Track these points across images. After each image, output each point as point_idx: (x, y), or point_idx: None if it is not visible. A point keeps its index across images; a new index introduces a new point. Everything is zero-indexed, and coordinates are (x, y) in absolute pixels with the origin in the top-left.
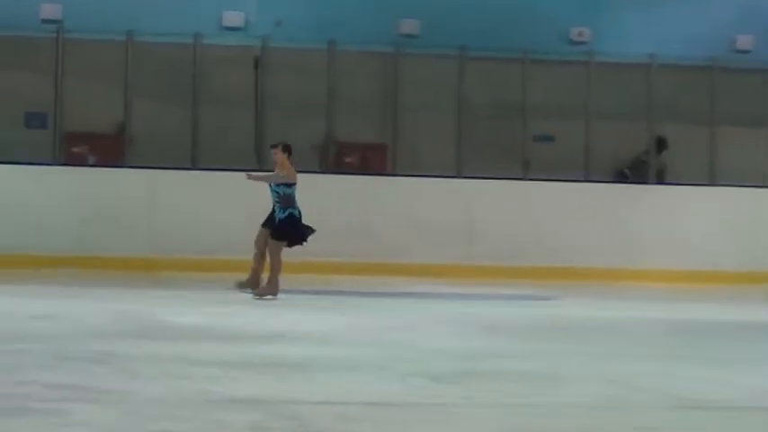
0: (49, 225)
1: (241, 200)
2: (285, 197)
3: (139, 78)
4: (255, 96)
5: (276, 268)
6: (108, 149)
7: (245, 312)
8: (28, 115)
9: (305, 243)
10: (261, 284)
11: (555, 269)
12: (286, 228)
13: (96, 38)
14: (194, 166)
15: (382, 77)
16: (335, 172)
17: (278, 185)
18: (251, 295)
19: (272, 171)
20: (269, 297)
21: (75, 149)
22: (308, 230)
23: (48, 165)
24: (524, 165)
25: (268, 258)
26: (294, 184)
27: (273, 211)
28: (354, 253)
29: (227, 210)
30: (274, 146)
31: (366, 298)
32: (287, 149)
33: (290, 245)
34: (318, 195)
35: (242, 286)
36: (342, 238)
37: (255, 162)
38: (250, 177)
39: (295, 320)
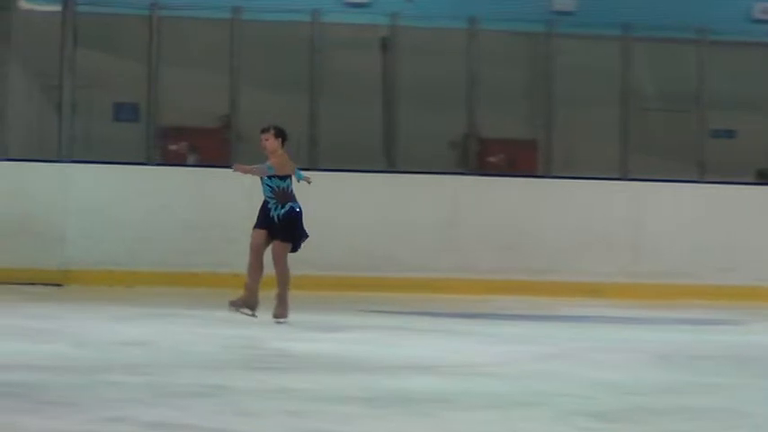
0: (143, 235)
1: (372, 206)
2: (281, 191)
3: (247, 63)
4: (383, 84)
5: (285, 280)
6: (211, 147)
7: (370, 338)
8: (117, 106)
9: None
10: (248, 298)
11: (738, 288)
12: (287, 224)
13: (196, 15)
14: (313, 166)
15: (532, 62)
16: (477, 173)
17: (270, 178)
18: (252, 317)
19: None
20: (283, 320)
21: (172, 147)
22: (303, 235)
23: (140, 165)
24: (700, 165)
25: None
26: (289, 176)
27: (268, 209)
28: (498, 268)
29: (353, 218)
30: (265, 130)
31: (513, 321)
32: (280, 135)
33: (293, 249)
34: (457, 200)
35: (237, 306)
36: (483, 251)
37: (385, 161)
38: (237, 169)
39: (429, 348)
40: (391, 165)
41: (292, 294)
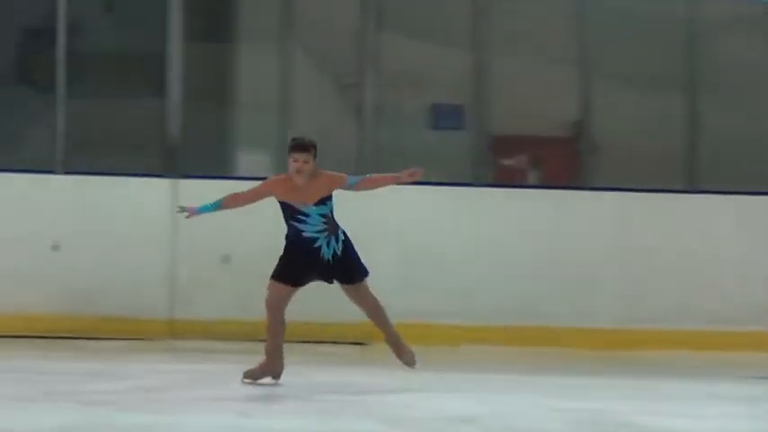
0: (469, 279)
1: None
2: (332, 218)
3: (603, 54)
4: None
5: (384, 319)
6: (559, 161)
7: (754, 413)
8: (435, 110)
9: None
10: (269, 365)
11: None
12: (348, 257)
13: None
14: (689, 187)
15: None
16: None
17: (318, 205)
18: (277, 385)
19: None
20: (416, 365)
21: (506, 162)
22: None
23: (465, 185)
24: None
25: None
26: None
27: (313, 249)
28: None
29: (730, 253)
30: (304, 149)
31: None
32: (317, 154)
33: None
34: None
35: (254, 376)
36: None
37: None
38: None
39: None
40: None
41: (652, 358)
